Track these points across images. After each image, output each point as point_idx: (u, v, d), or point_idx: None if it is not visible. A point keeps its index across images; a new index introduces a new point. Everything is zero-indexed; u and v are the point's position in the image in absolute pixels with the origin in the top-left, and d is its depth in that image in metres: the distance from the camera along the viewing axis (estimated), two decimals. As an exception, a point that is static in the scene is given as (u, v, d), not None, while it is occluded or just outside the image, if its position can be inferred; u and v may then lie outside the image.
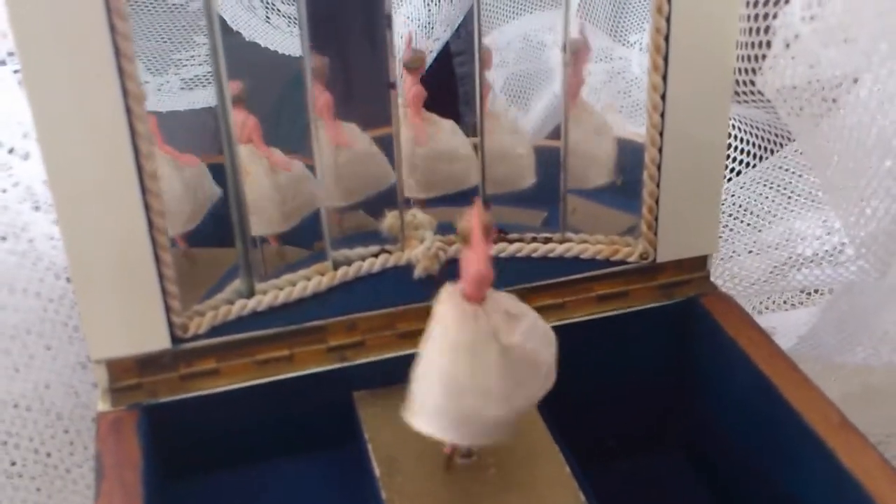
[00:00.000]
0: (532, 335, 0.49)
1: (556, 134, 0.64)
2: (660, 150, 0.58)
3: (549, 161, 0.65)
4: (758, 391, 0.56)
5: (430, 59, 0.72)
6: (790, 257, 0.72)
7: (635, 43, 0.71)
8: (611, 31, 0.71)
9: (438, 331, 0.49)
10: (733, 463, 0.61)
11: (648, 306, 0.62)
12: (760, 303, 0.75)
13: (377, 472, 0.53)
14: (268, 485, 0.58)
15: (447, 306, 0.48)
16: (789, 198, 0.75)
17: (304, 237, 0.62)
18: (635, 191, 0.61)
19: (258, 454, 0.58)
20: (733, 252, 0.72)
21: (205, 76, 0.59)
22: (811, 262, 0.70)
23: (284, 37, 0.64)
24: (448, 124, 0.65)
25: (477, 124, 0.60)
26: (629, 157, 0.62)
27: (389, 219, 0.62)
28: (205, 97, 0.58)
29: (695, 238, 0.62)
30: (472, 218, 0.46)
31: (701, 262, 0.63)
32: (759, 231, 0.73)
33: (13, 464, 0.61)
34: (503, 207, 0.64)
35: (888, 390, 0.70)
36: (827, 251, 0.69)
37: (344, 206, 0.61)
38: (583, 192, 0.64)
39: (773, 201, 0.74)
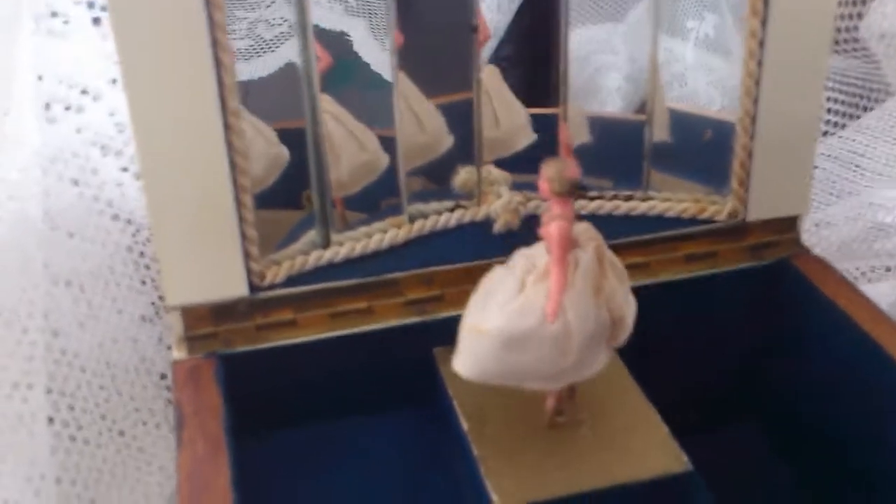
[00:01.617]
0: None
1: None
2: (755, 101, 0.56)
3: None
4: (864, 355, 0.53)
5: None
6: (871, 227, 0.69)
7: (692, 29, 0.69)
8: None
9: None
10: (830, 434, 0.58)
11: (738, 267, 0.59)
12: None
13: (465, 426, 0.50)
14: (344, 442, 0.56)
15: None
16: (862, 169, 0.73)
17: (368, 200, 0.60)
18: (718, 151, 0.59)
19: (335, 410, 0.56)
20: (815, 224, 0.70)
21: (246, 50, 0.58)
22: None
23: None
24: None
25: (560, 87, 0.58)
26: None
27: (463, 174, 0.60)
28: (247, 71, 0.57)
29: (786, 197, 0.59)
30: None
31: (791, 223, 0.60)
32: (838, 197, 0.71)
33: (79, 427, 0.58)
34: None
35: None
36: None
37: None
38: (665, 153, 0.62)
39: (852, 170, 0.72)
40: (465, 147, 0.59)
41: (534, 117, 0.63)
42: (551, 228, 0.45)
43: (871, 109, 0.78)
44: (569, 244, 0.45)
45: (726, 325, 0.61)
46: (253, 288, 0.53)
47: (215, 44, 0.48)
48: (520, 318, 0.45)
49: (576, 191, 0.45)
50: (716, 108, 0.67)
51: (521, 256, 0.48)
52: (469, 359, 0.47)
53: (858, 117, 0.78)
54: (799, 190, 0.59)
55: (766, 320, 0.61)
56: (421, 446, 0.56)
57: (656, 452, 0.49)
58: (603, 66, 0.68)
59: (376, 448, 0.56)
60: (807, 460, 0.61)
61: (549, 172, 0.44)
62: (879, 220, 0.69)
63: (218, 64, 0.48)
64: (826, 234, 0.70)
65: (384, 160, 0.58)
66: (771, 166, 0.58)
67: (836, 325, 0.56)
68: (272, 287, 0.54)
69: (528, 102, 0.62)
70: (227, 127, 0.49)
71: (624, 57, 0.67)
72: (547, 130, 0.63)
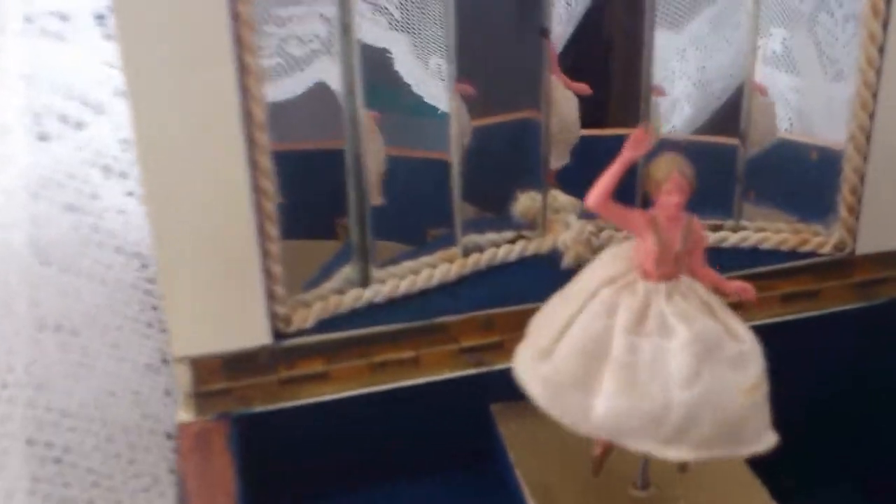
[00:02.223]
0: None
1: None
2: (871, 116, 0.48)
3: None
4: None
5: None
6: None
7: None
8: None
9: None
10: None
11: (844, 308, 0.51)
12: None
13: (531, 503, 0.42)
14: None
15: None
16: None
17: (412, 229, 0.52)
18: (825, 180, 0.50)
19: (374, 475, 0.48)
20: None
21: (277, 66, 0.51)
22: None
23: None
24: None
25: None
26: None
27: (524, 200, 0.52)
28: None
29: (901, 226, 0.51)
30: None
31: (905, 256, 0.52)
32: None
33: (66, 485, 0.50)
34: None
35: None
36: None
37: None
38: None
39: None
40: (527, 168, 0.51)
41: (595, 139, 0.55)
42: None
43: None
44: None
45: (830, 375, 0.52)
46: (277, 335, 0.45)
47: (242, 69, 0.40)
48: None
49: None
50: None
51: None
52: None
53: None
54: (918, 216, 0.51)
55: (876, 370, 0.52)
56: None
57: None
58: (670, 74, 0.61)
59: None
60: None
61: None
62: None
63: (241, 71, 0.40)
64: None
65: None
66: (886, 191, 0.49)
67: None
68: (300, 333, 0.45)
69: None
70: (252, 141, 0.41)
71: (692, 65, 0.60)
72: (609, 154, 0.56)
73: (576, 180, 0.56)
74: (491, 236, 0.51)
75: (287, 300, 0.45)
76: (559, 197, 0.52)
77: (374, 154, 0.50)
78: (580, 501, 0.43)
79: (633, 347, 0.37)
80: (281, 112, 0.52)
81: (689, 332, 0.37)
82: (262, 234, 0.43)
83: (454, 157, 0.48)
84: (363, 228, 0.47)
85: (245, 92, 0.40)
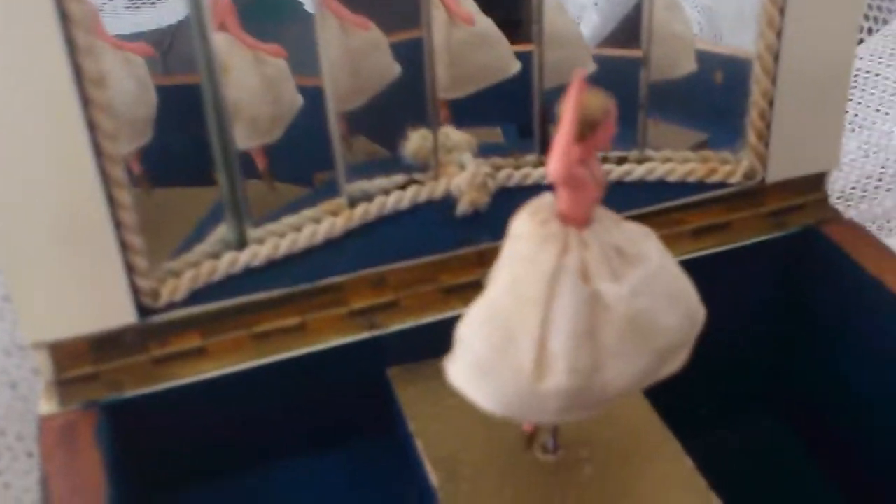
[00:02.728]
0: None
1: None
2: (778, 35, 0.44)
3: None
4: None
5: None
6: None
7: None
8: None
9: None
10: (872, 438, 0.48)
11: (756, 240, 0.48)
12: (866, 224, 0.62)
13: (434, 480, 0.39)
14: (279, 491, 0.44)
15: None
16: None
17: (300, 169, 0.47)
18: (733, 97, 0.47)
19: (267, 452, 0.44)
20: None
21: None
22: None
23: None
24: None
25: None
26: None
27: (416, 139, 0.47)
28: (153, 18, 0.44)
29: (813, 151, 0.48)
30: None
31: (817, 182, 0.49)
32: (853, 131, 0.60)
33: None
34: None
35: None
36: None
37: (450, 98, 0.48)
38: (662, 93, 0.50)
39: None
40: (416, 102, 0.47)
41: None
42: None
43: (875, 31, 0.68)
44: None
45: (745, 308, 0.50)
46: (144, 311, 0.40)
47: (66, 18, 0.34)
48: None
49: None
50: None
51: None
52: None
53: (862, 41, 0.67)
54: (829, 142, 0.48)
55: (792, 300, 0.50)
56: (378, 487, 0.44)
57: (679, 495, 0.39)
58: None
59: (321, 497, 0.44)
60: (839, 457, 0.51)
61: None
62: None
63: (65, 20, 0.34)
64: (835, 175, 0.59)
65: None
66: (797, 115, 0.46)
67: (885, 307, 0.45)
68: (171, 307, 0.41)
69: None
70: (86, 99, 0.36)
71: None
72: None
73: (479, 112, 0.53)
74: (380, 182, 0.46)
75: (152, 272, 0.40)
76: (452, 134, 0.48)
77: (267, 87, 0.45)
78: (485, 470, 0.40)
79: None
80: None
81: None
82: (113, 202, 0.38)
83: (328, 88, 0.43)
84: (232, 181, 0.42)
85: (72, 45, 0.35)
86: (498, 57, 0.50)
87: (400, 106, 0.48)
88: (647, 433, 0.41)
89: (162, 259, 0.42)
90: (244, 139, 0.45)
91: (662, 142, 0.51)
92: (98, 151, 0.37)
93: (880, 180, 0.58)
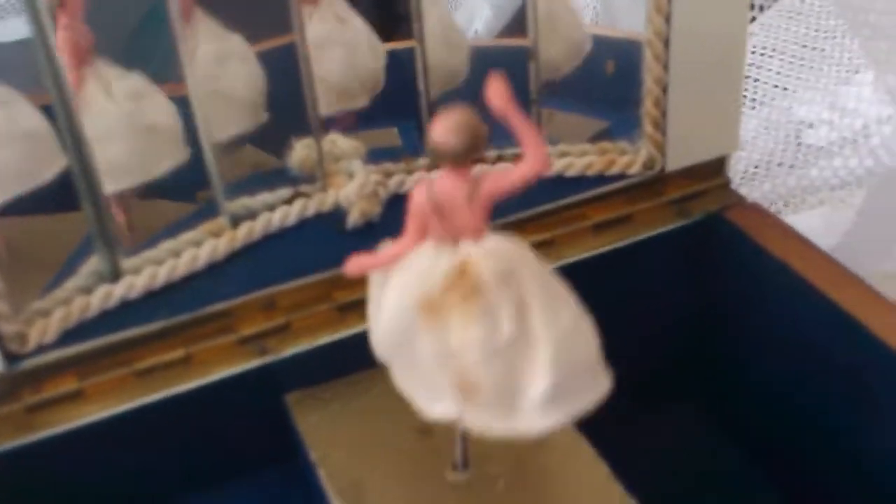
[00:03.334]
0: None
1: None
2: (667, 20, 0.43)
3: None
4: (827, 323, 0.42)
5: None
6: (792, 144, 0.58)
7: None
8: None
9: None
10: (785, 421, 0.47)
11: (660, 231, 0.47)
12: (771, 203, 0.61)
13: (337, 510, 0.37)
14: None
15: None
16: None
17: (178, 186, 0.44)
18: (629, 84, 0.46)
19: (160, 497, 0.41)
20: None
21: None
22: (825, 151, 0.56)
23: None
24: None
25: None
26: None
27: (299, 150, 0.45)
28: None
29: (712, 135, 0.47)
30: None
31: (718, 166, 0.48)
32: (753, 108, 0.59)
33: None
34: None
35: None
36: (845, 137, 0.55)
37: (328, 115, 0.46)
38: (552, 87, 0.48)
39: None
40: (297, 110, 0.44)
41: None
42: (412, 192, 0.31)
43: (767, 8, 0.67)
44: (420, 219, 0.31)
45: (654, 300, 0.49)
46: (11, 357, 0.37)
47: None
48: None
49: (456, 160, 0.30)
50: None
51: None
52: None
53: (754, 18, 0.67)
54: (727, 125, 0.47)
55: (700, 288, 0.49)
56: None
57: (596, 502, 0.37)
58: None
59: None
60: (756, 440, 0.51)
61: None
62: (804, 140, 0.58)
63: None
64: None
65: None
66: (692, 100, 0.45)
67: (790, 288, 0.44)
68: (41, 350, 0.38)
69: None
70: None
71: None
72: (398, 69, 0.49)
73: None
74: (264, 197, 0.44)
75: (15, 316, 0.37)
76: (339, 142, 0.46)
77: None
78: (393, 495, 0.38)
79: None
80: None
81: None
82: (-37, 245, 0.35)
83: (193, 96, 0.40)
84: (98, 210, 0.39)
85: None
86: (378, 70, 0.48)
87: (284, 117, 0.46)
88: (560, 441, 0.39)
89: (29, 300, 0.39)
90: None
91: (562, 132, 0.50)
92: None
93: (782, 159, 0.57)
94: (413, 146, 0.50)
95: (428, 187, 0.31)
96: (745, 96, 0.60)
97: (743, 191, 0.56)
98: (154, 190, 0.45)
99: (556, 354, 0.32)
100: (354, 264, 0.33)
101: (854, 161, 0.52)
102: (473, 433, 0.36)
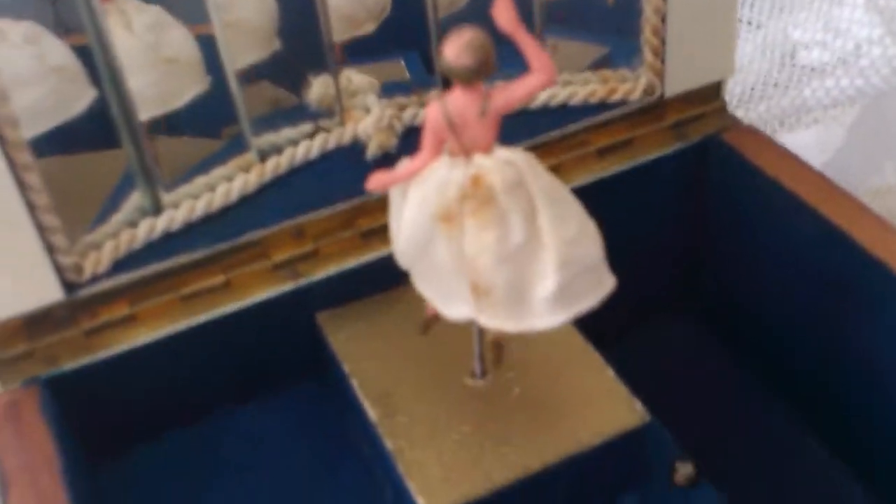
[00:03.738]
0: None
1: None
2: (663, -52, 0.45)
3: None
4: (818, 238, 0.45)
5: None
6: (788, 65, 0.61)
7: None
8: None
9: None
10: (778, 328, 0.51)
11: (660, 154, 0.50)
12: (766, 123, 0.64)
13: (372, 415, 0.41)
14: (221, 441, 0.46)
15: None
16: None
17: (205, 123, 0.47)
18: (629, 12, 0.48)
19: (203, 409, 0.46)
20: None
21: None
22: (818, 72, 0.59)
23: None
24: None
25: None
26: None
27: (317, 87, 0.48)
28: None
29: (709, 61, 0.50)
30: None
31: (715, 91, 0.51)
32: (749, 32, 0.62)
33: None
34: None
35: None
36: (839, 58, 0.58)
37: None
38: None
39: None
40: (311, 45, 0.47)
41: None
42: (427, 109, 0.34)
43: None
44: (437, 134, 0.34)
45: (655, 219, 0.53)
46: (70, 287, 0.41)
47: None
48: None
49: (468, 77, 0.33)
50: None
51: None
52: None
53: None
54: (723, 50, 0.50)
55: (698, 206, 0.53)
56: (317, 429, 0.46)
57: (604, 405, 0.41)
58: None
59: (264, 439, 0.46)
60: (750, 348, 0.54)
61: (444, 51, 0.33)
62: (799, 61, 0.60)
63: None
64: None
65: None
66: (690, 28, 0.48)
67: (782, 205, 0.48)
68: (96, 279, 0.42)
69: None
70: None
71: None
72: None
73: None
74: (287, 133, 0.47)
75: (72, 248, 0.41)
76: (354, 78, 0.48)
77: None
78: (419, 401, 0.42)
79: None
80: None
81: None
82: (23, 186, 0.38)
83: (217, 33, 0.43)
84: (139, 148, 0.42)
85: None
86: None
87: (298, 52, 0.48)
88: (569, 350, 0.43)
89: (82, 229, 0.42)
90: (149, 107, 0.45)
91: (565, 58, 0.52)
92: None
93: (778, 80, 0.60)
94: (420, 77, 0.52)
95: (442, 104, 0.33)
96: (741, 19, 0.62)
97: (739, 113, 0.59)
98: (177, 127, 0.48)
99: (563, 257, 0.35)
100: (375, 180, 0.36)
101: (846, 81, 0.55)
102: (489, 334, 0.40)
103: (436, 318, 0.40)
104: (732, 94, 0.60)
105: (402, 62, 0.55)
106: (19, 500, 0.36)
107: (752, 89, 0.61)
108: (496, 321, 0.36)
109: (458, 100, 0.33)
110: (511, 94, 0.34)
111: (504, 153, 0.35)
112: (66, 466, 0.38)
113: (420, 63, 0.54)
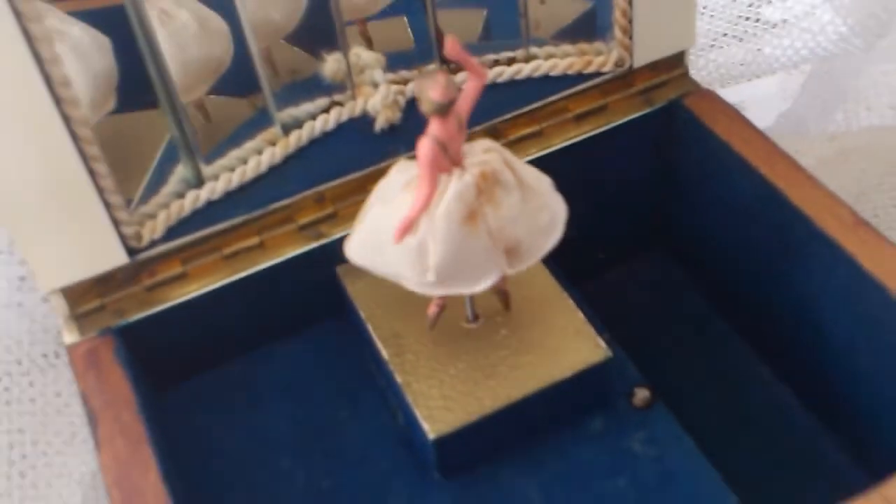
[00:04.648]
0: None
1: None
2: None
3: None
4: (757, 195, 0.53)
5: None
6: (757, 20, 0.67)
7: None
8: None
9: None
10: (730, 270, 0.59)
11: (630, 118, 0.57)
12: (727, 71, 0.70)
13: (384, 353, 0.50)
14: (262, 371, 0.55)
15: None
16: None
17: (233, 84, 0.54)
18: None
19: (248, 346, 0.54)
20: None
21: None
22: (778, 28, 0.65)
23: None
24: None
25: None
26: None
27: (331, 63, 0.55)
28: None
29: (672, 33, 0.56)
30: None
31: (678, 59, 0.58)
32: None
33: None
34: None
35: (863, 149, 0.68)
36: (796, 16, 0.64)
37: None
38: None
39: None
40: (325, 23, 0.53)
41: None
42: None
43: None
44: (436, 166, 0.42)
45: (626, 176, 0.60)
46: (131, 251, 0.49)
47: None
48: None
49: (447, 109, 0.41)
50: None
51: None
52: (353, 245, 0.46)
53: None
54: (684, 24, 0.56)
55: (664, 167, 0.60)
56: (342, 362, 0.55)
57: (574, 344, 0.49)
58: None
59: (298, 368, 0.55)
60: (708, 282, 0.62)
61: (417, 91, 0.41)
62: (763, 15, 0.66)
63: None
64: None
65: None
66: (654, 7, 0.54)
67: (730, 165, 0.55)
68: (153, 244, 0.50)
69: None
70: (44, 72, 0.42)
71: None
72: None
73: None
74: (307, 107, 0.54)
75: (132, 219, 0.49)
76: (363, 54, 0.55)
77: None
78: (424, 341, 0.50)
79: None
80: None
81: None
82: (92, 172, 0.46)
83: (241, 13, 0.48)
84: (181, 127, 0.49)
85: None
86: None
87: (312, 31, 0.55)
88: (548, 297, 0.51)
89: (135, 191, 0.50)
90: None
91: (552, 13, 0.58)
92: (73, 135, 0.44)
93: (739, 33, 0.66)
94: (423, 40, 0.59)
95: (432, 139, 0.41)
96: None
97: (701, 62, 0.65)
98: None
99: (544, 196, 0.45)
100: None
101: (799, 42, 0.61)
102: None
103: (440, 312, 0.49)
104: (697, 45, 0.66)
105: (405, 18, 0.60)
106: (107, 433, 0.45)
107: (714, 41, 0.67)
108: (523, 265, 0.45)
109: (441, 127, 0.41)
110: (466, 101, 0.42)
111: (477, 145, 0.44)
112: (140, 402, 0.47)
113: (421, 13, 0.60)
